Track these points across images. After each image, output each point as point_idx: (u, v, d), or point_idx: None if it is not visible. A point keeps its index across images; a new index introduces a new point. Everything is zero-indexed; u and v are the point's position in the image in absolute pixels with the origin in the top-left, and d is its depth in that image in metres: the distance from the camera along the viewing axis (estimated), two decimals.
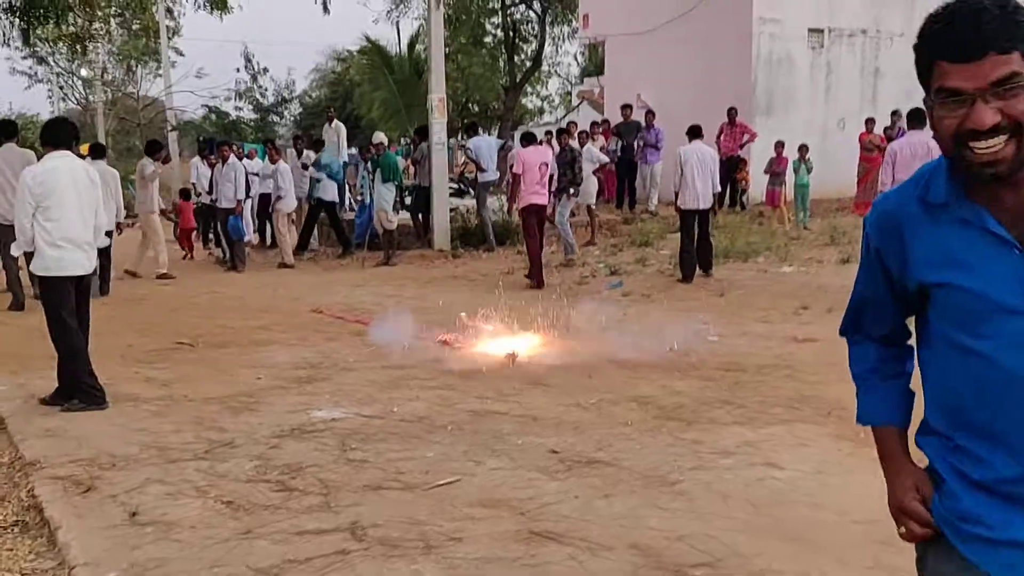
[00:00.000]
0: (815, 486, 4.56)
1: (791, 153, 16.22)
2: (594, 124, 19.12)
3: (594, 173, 14.97)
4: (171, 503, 4.54)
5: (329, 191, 14.71)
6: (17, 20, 11.85)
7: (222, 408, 6.21)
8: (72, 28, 12.76)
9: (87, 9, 12.76)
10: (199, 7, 11.63)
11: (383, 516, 4.28)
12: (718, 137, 17.10)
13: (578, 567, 3.76)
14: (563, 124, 23.11)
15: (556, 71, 38.37)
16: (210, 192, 14.79)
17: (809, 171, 16.09)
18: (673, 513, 4.25)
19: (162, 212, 14.05)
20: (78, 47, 13.80)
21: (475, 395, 6.36)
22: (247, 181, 14.07)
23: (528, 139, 12.40)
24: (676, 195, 11.34)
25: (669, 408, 5.92)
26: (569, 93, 39.83)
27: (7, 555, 4.11)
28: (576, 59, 38.69)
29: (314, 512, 4.38)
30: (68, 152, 6.48)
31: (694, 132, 11.60)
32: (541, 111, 42.12)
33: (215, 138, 20.96)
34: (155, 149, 13.65)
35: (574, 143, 14.21)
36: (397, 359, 7.35)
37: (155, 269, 12.98)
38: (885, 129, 17.60)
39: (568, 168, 13.01)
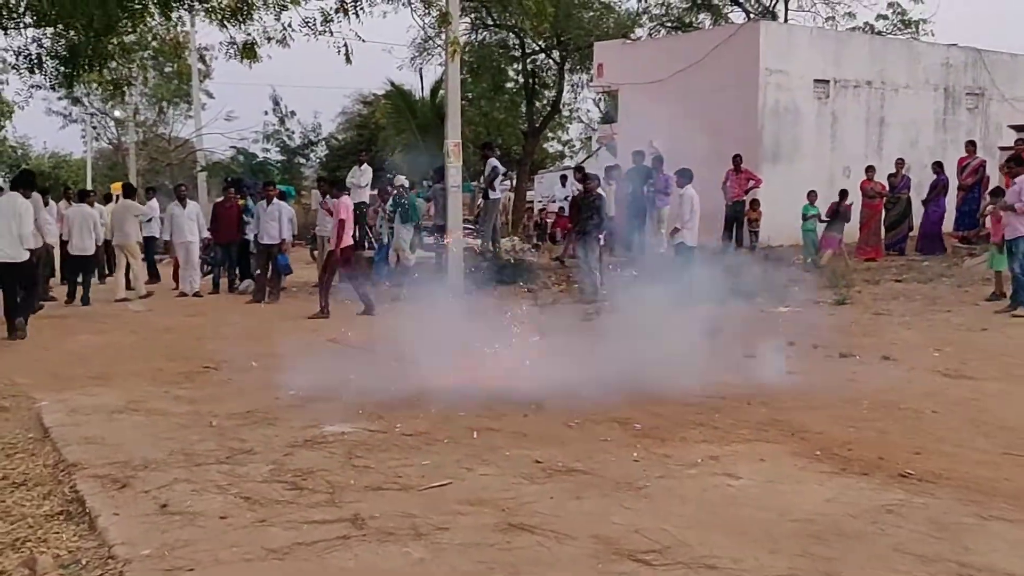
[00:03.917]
0: (764, 492, 5.13)
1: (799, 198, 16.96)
2: (614, 168, 19.76)
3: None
4: (196, 498, 5.16)
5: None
6: (62, 68, 12.70)
7: (242, 422, 6.86)
8: (113, 75, 13.64)
9: (127, 56, 13.61)
10: (230, 57, 12.42)
11: (381, 510, 4.88)
12: (724, 183, 17.76)
13: (545, 552, 4.34)
14: (577, 167, 23.83)
15: (578, 116, 39.27)
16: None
17: (820, 220, 16.91)
18: (635, 511, 4.84)
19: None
20: (117, 92, 14.69)
21: (475, 414, 6.96)
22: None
23: (340, 186, 14.18)
24: (675, 231, 12.24)
25: (647, 428, 6.50)
26: (589, 138, 40.63)
27: (54, 537, 4.75)
28: (598, 105, 39.61)
29: (321, 507, 4.99)
30: (15, 193, 11.27)
31: (690, 176, 12.48)
32: (562, 156, 42.98)
33: (243, 179, 21.81)
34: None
35: (601, 190, 15.04)
36: (404, 382, 7.95)
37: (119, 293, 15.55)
38: (889, 176, 18.19)
39: (595, 212, 13.88)
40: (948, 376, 8.15)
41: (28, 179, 12.02)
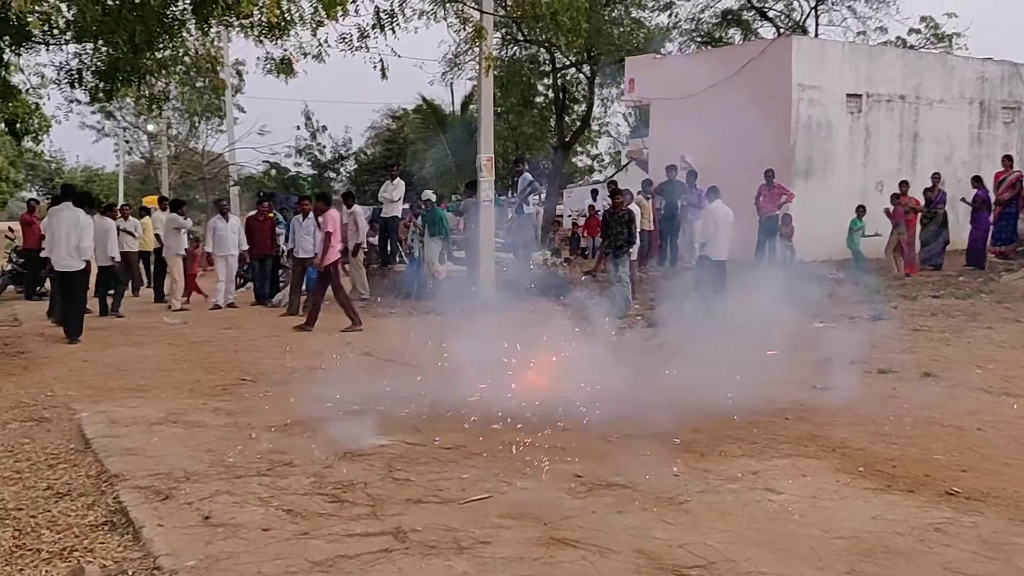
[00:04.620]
0: (807, 508, 5.08)
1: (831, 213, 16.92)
2: (647, 182, 19.74)
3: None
4: (238, 510, 5.18)
5: None
6: (101, 83, 12.84)
7: (282, 434, 6.89)
8: (150, 90, 13.80)
9: (164, 72, 13.74)
10: (267, 72, 12.50)
11: (422, 523, 4.89)
12: (757, 198, 17.69)
13: (589, 567, 4.32)
14: (609, 181, 23.84)
15: (607, 131, 39.30)
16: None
17: (876, 234, 17.04)
18: (677, 526, 4.81)
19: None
20: (154, 107, 14.89)
21: (512, 428, 6.95)
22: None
23: (327, 200, 14.17)
24: (701, 246, 12.37)
25: (686, 443, 6.46)
26: (619, 152, 40.62)
27: (100, 547, 4.79)
28: (627, 120, 39.61)
29: (362, 519, 5.00)
30: (78, 209, 12.30)
31: (718, 191, 12.59)
32: (591, 170, 43.00)
33: (276, 193, 22.00)
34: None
35: (634, 206, 15.15)
36: (440, 395, 7.97)
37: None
38: (926, 191, 18.03)
39: (625, 227, 13.96)
40: (991, 393, 8.04)
41: (89, 200, 13.55)
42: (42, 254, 13.59)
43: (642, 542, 4.57)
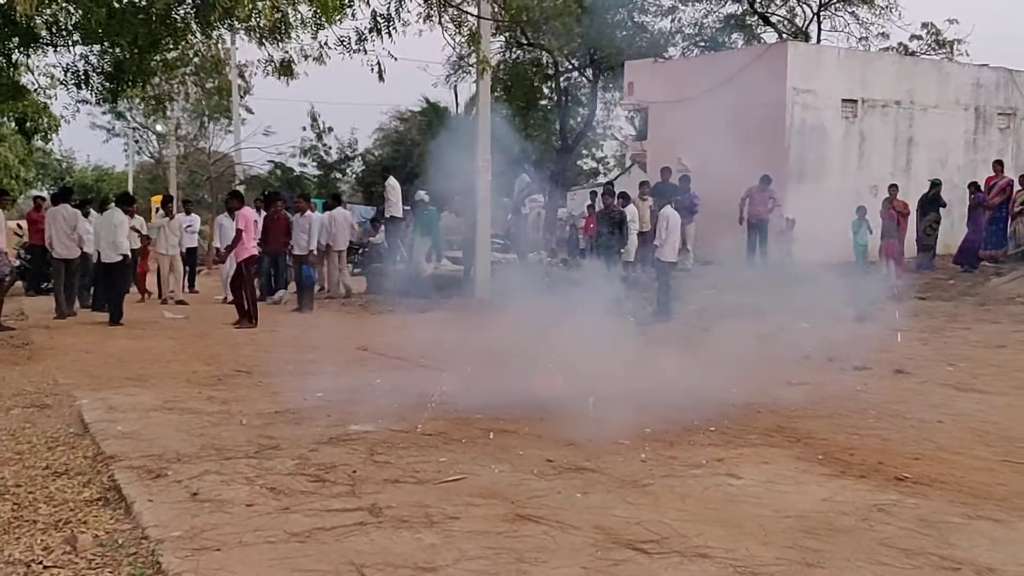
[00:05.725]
0: (764, 492, 5.37)
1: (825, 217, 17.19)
2: (643, 184, 20.05)
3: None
4: (225, 487, 5.48)
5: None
6: (107, 83, 13.20)
7: (271, 421, 7.20)
8: (155, 91, 14.19)
9: (169, 72, 14.11)
10: (267, 74, 12.85)
11: (397, 501, 5.18)
12: (743, 200, 17.94)
13: (549, 540, 4.61)
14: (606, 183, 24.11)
15: (612, 134, 39.57)
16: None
17: (871, 231, 17.54)
18: (637, 506, 5.09)
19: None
20: (159, 107, 15.30)
21: (492, 418, 7.25)
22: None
23: (239, 199, 14.60)
24: (656, 248, 13.67)
25: (656, 432, 6.74)
26: (623, 155, 40.86)
27: (93, 520, 5.08)
28: (632, 123, 39.84)
29: (341, 497, 5.29)
30: (116, 208, 14.50)
31: (674, 196, 14.00)
32: (596, 172, 43.26)
33: (280, 192, 22.33)
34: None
35: (631, 208, 15.61)
36: (427, 388, 8.25)
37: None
38: (931, 195, 18.26)
39: (616, 228, 14.35)
40: (959, 389, 8.32)
41: (127, 199, 15.78)
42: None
43: (602, 519, 4.86)
